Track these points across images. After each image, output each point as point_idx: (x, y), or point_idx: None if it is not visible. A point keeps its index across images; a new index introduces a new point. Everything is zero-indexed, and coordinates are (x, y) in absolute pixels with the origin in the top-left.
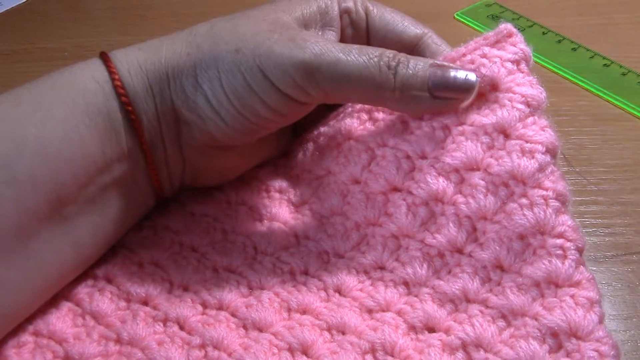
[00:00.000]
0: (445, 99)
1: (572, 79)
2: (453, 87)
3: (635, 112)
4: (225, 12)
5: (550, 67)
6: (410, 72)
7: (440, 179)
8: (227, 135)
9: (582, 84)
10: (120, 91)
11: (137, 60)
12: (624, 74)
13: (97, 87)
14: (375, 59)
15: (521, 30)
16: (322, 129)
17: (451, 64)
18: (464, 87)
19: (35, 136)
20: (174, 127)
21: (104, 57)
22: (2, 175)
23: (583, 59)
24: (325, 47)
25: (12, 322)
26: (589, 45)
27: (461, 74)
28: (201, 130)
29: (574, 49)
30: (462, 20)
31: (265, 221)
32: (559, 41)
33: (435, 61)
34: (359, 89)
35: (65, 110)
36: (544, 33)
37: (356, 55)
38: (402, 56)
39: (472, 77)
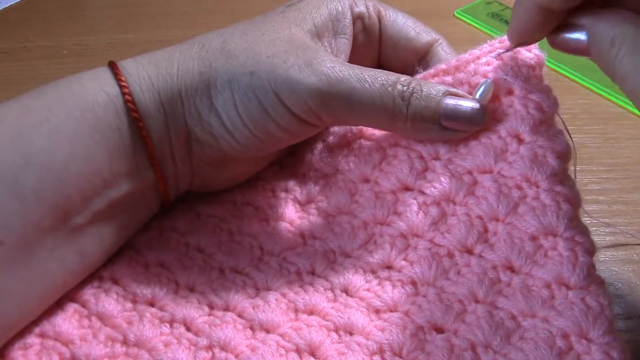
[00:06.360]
0: (454, 130)
1: (572, 77)
2: (462, 121)
3: (636, 111)
4: (227, 10)
5: (550, 65)
6: (423, 103)
7: (454, 180)
8: (239, 152)
9: (582, 82)
10: (131, 107)
11: (148, 76)
12: None
13: (107, 101)
14: (389, 89)
15: None
16: (333, 129)
17: (465, 94)
18: (473, 121)
19: (42, 149)
20: (184, 144)
21: (114, 69)
22: (6, 188)
23: (583, 57)
24: (341, 73)
25: (14, 329)
26: None
27: (474, 106)
28: (213, 148)
29: None
30: (461, 18)
31: (272, 221)
32: None
33: (449, 89)
34: (372, 117)
35: (74, 124)
36: None
37: (370, 84)
38: (416, 84)
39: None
